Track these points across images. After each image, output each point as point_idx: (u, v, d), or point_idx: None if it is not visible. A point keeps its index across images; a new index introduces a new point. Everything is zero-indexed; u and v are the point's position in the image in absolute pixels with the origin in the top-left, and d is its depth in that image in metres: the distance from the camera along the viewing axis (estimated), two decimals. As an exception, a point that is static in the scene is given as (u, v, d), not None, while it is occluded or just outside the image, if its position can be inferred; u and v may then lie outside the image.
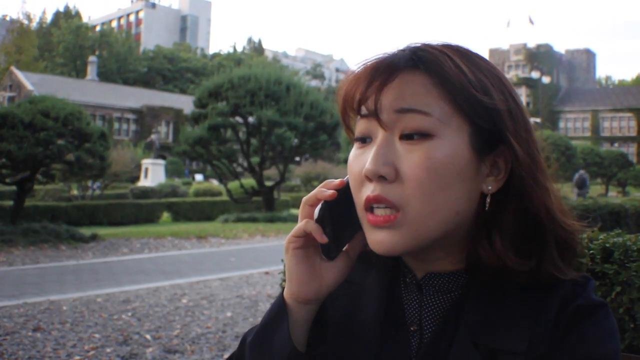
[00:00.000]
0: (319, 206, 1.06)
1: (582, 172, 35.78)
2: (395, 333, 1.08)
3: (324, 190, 1.06)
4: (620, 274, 2.28)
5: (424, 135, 0.95)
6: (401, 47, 1.04)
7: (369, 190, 0.98)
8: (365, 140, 1.02)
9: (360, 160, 1.01)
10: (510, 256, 0.97)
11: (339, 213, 1.05)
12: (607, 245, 2.37)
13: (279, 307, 1.09)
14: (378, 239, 0.99)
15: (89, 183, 27.52)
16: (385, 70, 0.99)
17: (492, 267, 0.98)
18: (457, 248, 1.03)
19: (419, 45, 1.02)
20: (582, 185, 33.99)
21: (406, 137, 0.96)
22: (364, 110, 1.00)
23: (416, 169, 0.94)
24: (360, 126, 1.02)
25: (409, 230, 0.96)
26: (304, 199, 1.08)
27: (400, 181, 0.96)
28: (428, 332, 1.05)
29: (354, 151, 1.04)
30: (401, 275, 1.12)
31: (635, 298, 2.26)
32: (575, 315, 0.94)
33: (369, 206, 0.98)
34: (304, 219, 1.07)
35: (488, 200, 1.00)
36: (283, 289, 1.12)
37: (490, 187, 1.00)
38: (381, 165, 0.95)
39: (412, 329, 1.07)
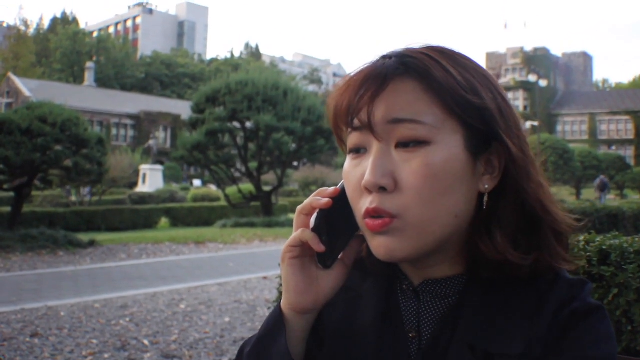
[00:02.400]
0: (315, 215, 1.05)
1: (602, 177, 38.61)
2: (394, 340, 1.07)
3: (319, 198, 1.05)
4: (617, 276, 2.28)
5: (420, 143, 0.95)
6: (385, 54, 1.03)
7: (368, 202, 0.97)
8: (359, 150, 1.01)
9: (357, 171, 1.00)
10: (511, 251, 0.97)
11: (334, 221, 1.05)
12: (604, 247, 2.37)
13: (276, 318, 1.08)
14: (378, 244, 0.98)
15: (81, 190, 27.51)
16: (375, 81, 0.98)
17: (493, 264, 0.98)
18: (454, 252, 1.03)
19: (404, 51, 1.02)
20: (603, 188, 36.86)
21: (402, 145, 0.96)
22: (356, 122, 1.00)
23: (415, 178, 0.94)
24: (354, 138, 1.01)
25: (409, 236, 0.96)
26: (299, 208, 1.07)
27: (400, 190, 0.95)
28: (426, 338, 1.04)
29: (349, 162, 1.03)
30: (398, 282, 1.12)
31: (632, 300, 2.26)
32: (571, 318, 0.94)
33: (367, 215, 0.98)
34: (300, 228, 1.06)
35: (486, 198, 1.00)
36: (280, 293, 1.12)
37: (487, 186, 1.00)
38: (380, 177, 0.95)
39: (410, 335, 1.06)
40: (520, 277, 0.99)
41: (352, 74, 1.04)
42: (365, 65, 1.03)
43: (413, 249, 0.97)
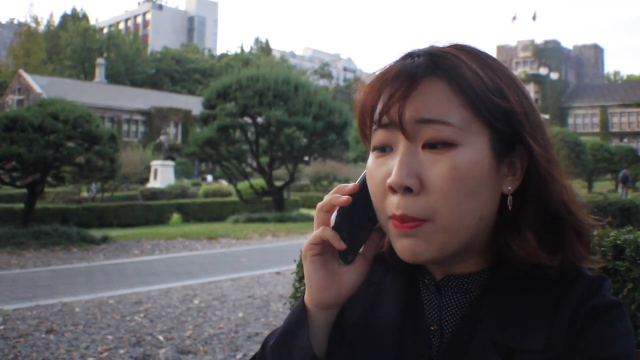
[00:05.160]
0: (335, 213, 1.06)
1: (625, 170, 40.92)
2: (416, 333, 1.08)
3: (338, 196, 1.06)
4: (632, 271, 2.29)
5: (447, 144, 0.96)
6: (410, 53, 1.04)
7: (394, 202, 0.97)
8: (384, 149, 1.02)
9: (381, 169, 1.01)
10: (541, 252, 0.98)
11: (354, 217, 1.06)
12: (619, 242, 2.37)
13: (300, 313, 1.10)
14: (404, 246, 0.99)
15: (92, 185, 27.62)
16: (405, 80, 0.98)
17: (522, 266, 0.99)
18: (477, 251, 1.04)
19: (431, 50, 1.02)
20: (626, 181, 39.10)
21: (429, 146, 0.97)
22: (385, 120, 0.99)
23: (442, 180, 0.95)
24: (379, 136, 1.02)
25: (436, 239, 0.97)
26: (319, 205, 1.08)
27: (426, 192, 0.96)
28: (448, 332, 1.05)
29: (373, 160, 1.04)
30: (419, 276, 1.13)
31: (647, 294, 2.26)
32: (590, 315, 0.95)
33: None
34: (320, 226, 1.07)
35: (510, 200, 1.01)
36: (295, 289, 1.13)
37: (509, 188, 1.00)
38: (406, 177, 0.95)
39: (432, 328, 1.07)
40: (546, 278, 1.00)
41: (380, 71, 1.04)
42: (394, 63, 1.03)
43: (438, 251, 0.98)
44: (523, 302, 0.99)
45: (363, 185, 1.07)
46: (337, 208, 1.06)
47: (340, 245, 1.04)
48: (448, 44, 1.04)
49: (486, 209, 0.99)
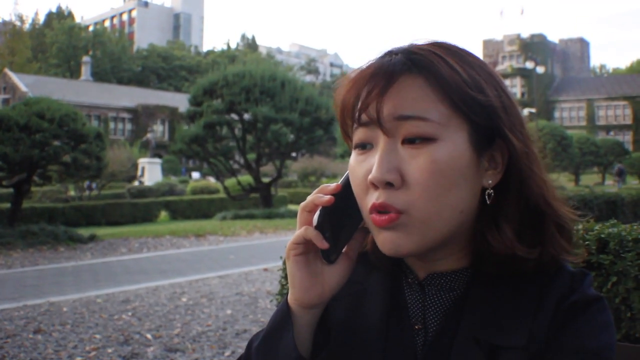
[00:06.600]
0: (318, 212, 1.07)
1: (620, 165, 42.83)
2: (400, 332, 1.09)
3: (321, 196, 1.07)
4: (616, 264, 2.30)
5: (426, 139, 0.96)
6: (389, 51, 1.04)
7: (374, 197, 0.98)
8: (365, 146, 1.03)
9: (362, 166, 1.01)
10: (518, 245, 0.99)
11: (337, 216, 1.06)
12: (603, 236, 2.38)
13: (284, 313, 1.10)
14: (383, 239, 0.99)
15: (86, 183, 27.55)
16: (383, 77, 0.99)
17: (500, 258, 1.00)
18: (459, 246, 1.04)
19: (409, 47, 1.03)
20: (621, 174, 40.97)
21: (408, 141, 0.97)
22: (364, 118, 1.00)
23: (422, 174, 0.96)
24: (360, 133, 1.02)
25: (415, 232, 0.97)
26: (302, 205, 1.09)
27: (407, 186, 0.96)
28: (432, 330, 1.06)
29: (355, 157, 1.04)
30: (403, 275, 1.13)
31: (631, 288, 2.28)
32: (570, 310, 0.96)
33: (374, 210, 0.99)
34: (303, 226, 1.07)
35: (491, 192, 1.01)
36: (282, 286, 1.13)
37: (490, 181, 1.01)
38: (386, 172, 0.96)
39: (416, 327, 1.08)
40: (525, 270, 1.01)
41: (358, 70, 1.05)
42: (372, 61, 1.04)
43: (418, 244, 0.98)
44: (506, 299, 1.00)
45: (346, 185, 1.07)
46: (320, 208, 1.06)
47: (323, 244, 1.04)
48: (427, 42, 1.04)
49: (467, 203, 0.99)
